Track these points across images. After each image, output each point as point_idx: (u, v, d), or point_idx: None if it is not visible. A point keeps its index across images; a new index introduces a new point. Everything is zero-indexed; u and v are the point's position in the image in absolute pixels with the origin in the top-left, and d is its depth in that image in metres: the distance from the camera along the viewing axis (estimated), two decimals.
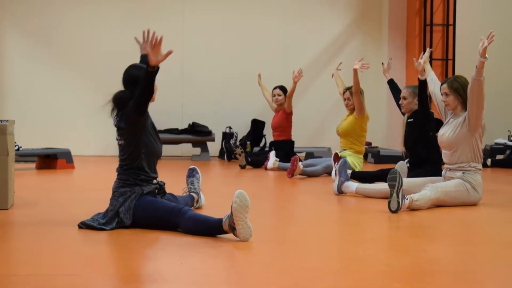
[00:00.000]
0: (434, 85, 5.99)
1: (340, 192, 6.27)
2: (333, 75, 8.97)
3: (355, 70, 7.94)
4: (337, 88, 8.87)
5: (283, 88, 9.65)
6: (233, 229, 3.95)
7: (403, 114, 6.87)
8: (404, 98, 6.71)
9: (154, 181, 4.48)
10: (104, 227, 4.25)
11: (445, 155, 5.71)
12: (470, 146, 5.57)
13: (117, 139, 4.50)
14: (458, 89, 5.61)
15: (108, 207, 4.37)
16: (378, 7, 11.82)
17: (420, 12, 11.24)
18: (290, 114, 9.52)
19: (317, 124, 9.97)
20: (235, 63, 11.61)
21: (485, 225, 4.92)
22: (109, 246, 3.84)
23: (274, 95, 9.64)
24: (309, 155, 10.34)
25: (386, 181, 5.44)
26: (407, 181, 5.72)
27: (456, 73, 10.94)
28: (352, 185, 6.23)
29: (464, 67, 11.25)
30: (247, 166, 9.37)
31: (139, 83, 4.29)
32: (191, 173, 5.39)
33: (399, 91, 7.17)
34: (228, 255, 3.68)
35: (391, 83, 7.37)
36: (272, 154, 9.11)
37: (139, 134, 4.41)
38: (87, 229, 4.27)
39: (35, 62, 11.27)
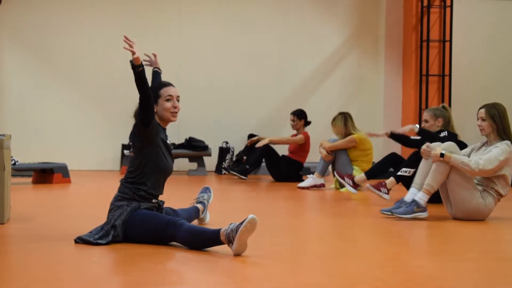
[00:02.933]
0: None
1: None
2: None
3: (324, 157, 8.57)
4: (333, 105, 8.94)
5: (296, 113, 9.72)
6: (230, 242, 3.99)
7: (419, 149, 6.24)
8: (426, 121, 6.70)
9: (154, 200, 4.46)
10: (100, 241, 4.24)
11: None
12: (495, 175, 5.59)
13: (129, 152, 4.50)
14: (495, 116, 5.62)
15: (105, 221, 4.36)
16: (375, 23, 11.86)
17: (416, 28, 11.28)
18: (303, 144, 9.71)
19: (313, 139, 9.96)
20: (231, 78, 11.63)
21: (482, 241, 4.91)
22: (105, 261, 3.83)
23: (290, 119, 9.75)
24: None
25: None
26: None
27: (453, 88, 10.98)
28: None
29: (460, 83, 11.29)
30: (248, 176, 9.92)
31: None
32: (205, 190, 5.46)
33: (403, 136, 6.87)
34: (224, 271, 3.67)
35: (393, 136, 6.95)
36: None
37: (146, 148, 4.40)
38: (84, 244, 4.26)
39: (32, 77, 11.29)
